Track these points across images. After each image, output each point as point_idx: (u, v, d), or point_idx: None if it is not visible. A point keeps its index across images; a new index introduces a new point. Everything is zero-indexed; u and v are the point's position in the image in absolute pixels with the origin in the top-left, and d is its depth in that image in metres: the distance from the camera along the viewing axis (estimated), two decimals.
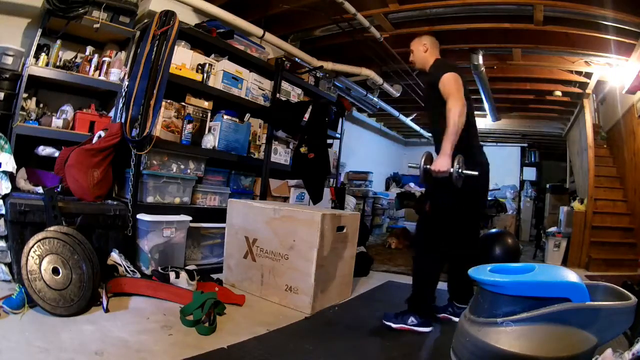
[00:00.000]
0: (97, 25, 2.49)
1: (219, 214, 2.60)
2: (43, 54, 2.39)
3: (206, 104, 2.81)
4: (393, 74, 4.56)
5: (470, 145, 1.91)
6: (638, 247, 4.11)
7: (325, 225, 2.04)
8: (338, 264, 2.24)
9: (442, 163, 1.69)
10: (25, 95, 2.38)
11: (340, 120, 4.32)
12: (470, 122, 1.90)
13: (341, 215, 2.26)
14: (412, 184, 6.01)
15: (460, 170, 1.70)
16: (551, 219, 6.49)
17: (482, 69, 4.08)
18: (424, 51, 2.08)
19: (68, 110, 2.51)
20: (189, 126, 2.62)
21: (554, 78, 4.58)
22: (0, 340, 1.31)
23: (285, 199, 3.34)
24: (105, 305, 1.69)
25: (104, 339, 1.44)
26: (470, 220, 2.08)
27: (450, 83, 1.81)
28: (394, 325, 1.89)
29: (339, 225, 2.20)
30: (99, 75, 2.57)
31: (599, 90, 4.78)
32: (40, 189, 2.20)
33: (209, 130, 2.83)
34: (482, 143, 2.12)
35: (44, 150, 2.40)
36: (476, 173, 1.73)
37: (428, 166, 1.74)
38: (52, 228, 1.75)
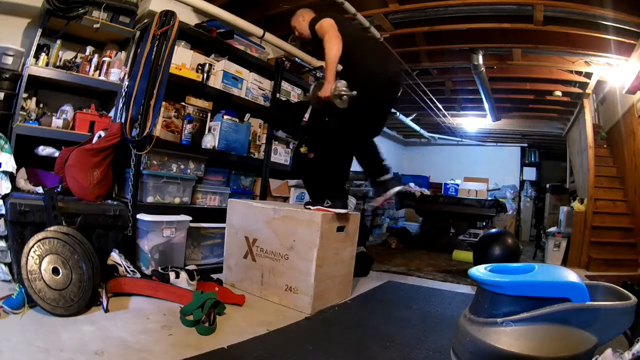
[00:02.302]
0: (97, 25, 2.49)
1: (219, 214, 2.60)
2: (43, 54, 2.39)
3: (206, 104, 2.81)
4: None
5: (356, 72, 2.13)
6: (638, 247, 4.11)
7: (325, 225, 2.04)
8: (338, 264, 2.24)
9: (325, 89, 2.04)
10: (25, 95, 2.38)
11: None
12: (351, 55, 2.11)
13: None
14: (412, 184, 6.00)
15: (340, 93, 2.04)
16: (551, 219, 6.51)
17: (482, 69, 4.08)
18: (303, 21, 2.28)
19: (68, 110, 2.51)
20: (189, 126, 2.62)
21: (554, 78, 4.58)
22: (0, 341, 1.31)
23: (285, 199, 3.33)
24: (105, 305, 1.69)
25: (104, 339, 1.44)
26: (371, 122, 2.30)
27: (322, 25, 2.08)
28: (312, 208, 2.14)
29: (339, 225, 2.20)
30: (99, 75, 2.57)
31: (599, 90, 4.78)
32: (40, 189, 2.20)
33: (209, 130, 2.83)
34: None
35: (44, 150, 2.40)
36: (354, 93, 2.03)
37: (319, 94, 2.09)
38: (52, 228, 1.75)
